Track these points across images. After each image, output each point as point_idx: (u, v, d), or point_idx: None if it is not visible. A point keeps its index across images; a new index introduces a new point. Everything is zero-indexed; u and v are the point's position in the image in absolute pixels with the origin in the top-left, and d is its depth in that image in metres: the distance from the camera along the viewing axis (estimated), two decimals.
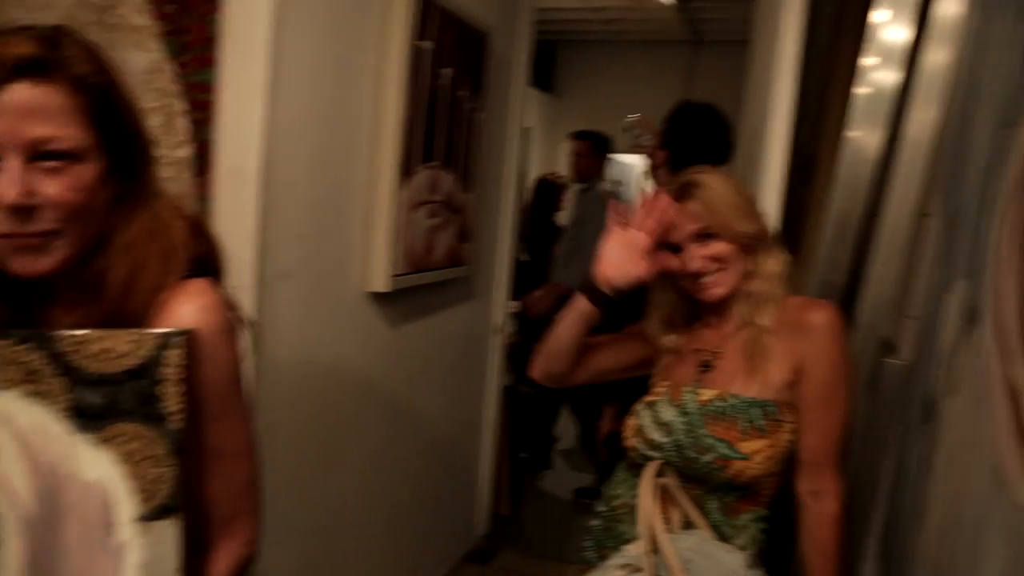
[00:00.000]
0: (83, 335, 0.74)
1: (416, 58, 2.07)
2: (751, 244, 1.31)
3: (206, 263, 0.90)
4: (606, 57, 7.20)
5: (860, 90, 1.75)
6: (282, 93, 1.68)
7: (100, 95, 0.79)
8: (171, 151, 1.61)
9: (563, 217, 4.44)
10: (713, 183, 1.32)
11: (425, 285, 2.32)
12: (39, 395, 0.73)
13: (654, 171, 2.54)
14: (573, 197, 4.11)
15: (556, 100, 7.26)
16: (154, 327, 0.79)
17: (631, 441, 1.39)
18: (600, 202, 3.55)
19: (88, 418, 0.73)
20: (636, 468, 1.36)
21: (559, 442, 4.30)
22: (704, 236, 1.30)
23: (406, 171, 2.07)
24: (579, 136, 4.06)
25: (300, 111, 1.76)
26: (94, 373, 0.73)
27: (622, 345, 1.48)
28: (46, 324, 0.82)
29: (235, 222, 1.67)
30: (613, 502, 1.44)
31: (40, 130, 0.73)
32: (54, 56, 0.75)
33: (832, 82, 2.06)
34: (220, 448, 0.86)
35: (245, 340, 0.91)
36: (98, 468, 0.72)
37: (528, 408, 3.85)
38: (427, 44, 2.12)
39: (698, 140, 2.25)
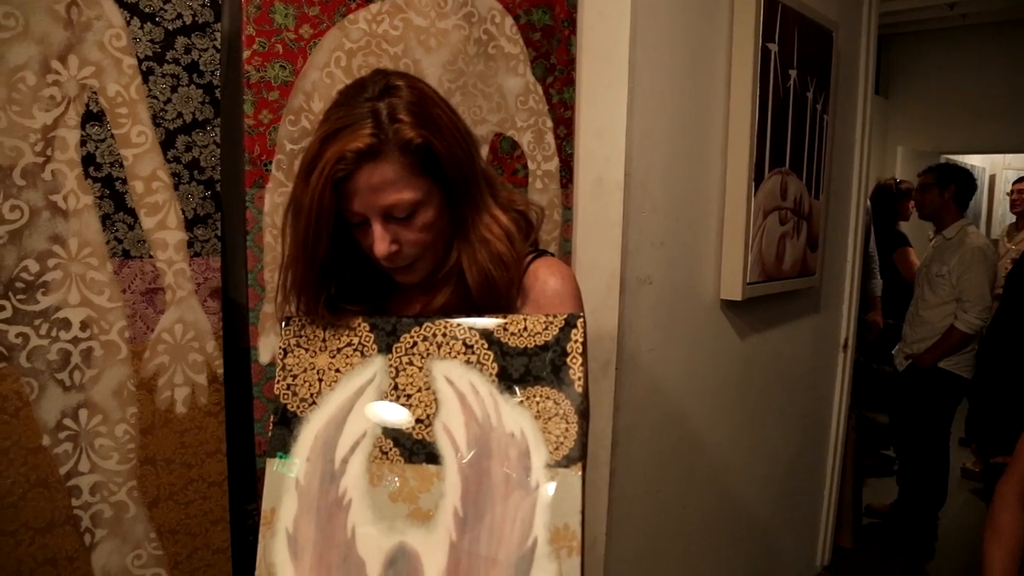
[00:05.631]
0: (507, 319, 0.88)
1: (764, 60, 1.99)
2: None
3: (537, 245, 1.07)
4: (944, 49, 6.37)
5: None
6: (638, 105, 1.71)
7: (425, 152, 0.91)
8: (541, 164, 1.72)
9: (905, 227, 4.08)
10: None
11: (775, 295, 2.21)
12: (474, 363, 0.88)
13: None
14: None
15: (884, 103, 6.60)
16: (524, 292, 0.98)
17: None
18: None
19: (510, 382, 0.86)
20: None
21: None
22: None
23: (758, 176, 1.99)
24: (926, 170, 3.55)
25: (655, 122, 1.79)
26: (515, 347, 0.87)
27: None
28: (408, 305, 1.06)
29: (600, 230, 1.73)
30: None
31: (388, 199, 0.90)
32: (383, 138, 0.89)
33: None
34: None
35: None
36: (518, 422, 0.85)
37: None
38: (773, 46, 2.04)
39: None
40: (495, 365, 0.87)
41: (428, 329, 0.90)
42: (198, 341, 1.30)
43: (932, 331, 3.23)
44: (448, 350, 0.89)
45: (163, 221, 1.25)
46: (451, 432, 0.86)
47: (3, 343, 1.11)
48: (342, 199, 0.91)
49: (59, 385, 1.16)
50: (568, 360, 0.85)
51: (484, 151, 1.62)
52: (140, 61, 1.20)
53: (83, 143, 1.16)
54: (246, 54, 1.28)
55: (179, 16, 1.23)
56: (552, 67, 1.72)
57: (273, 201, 1.33)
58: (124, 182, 1.20)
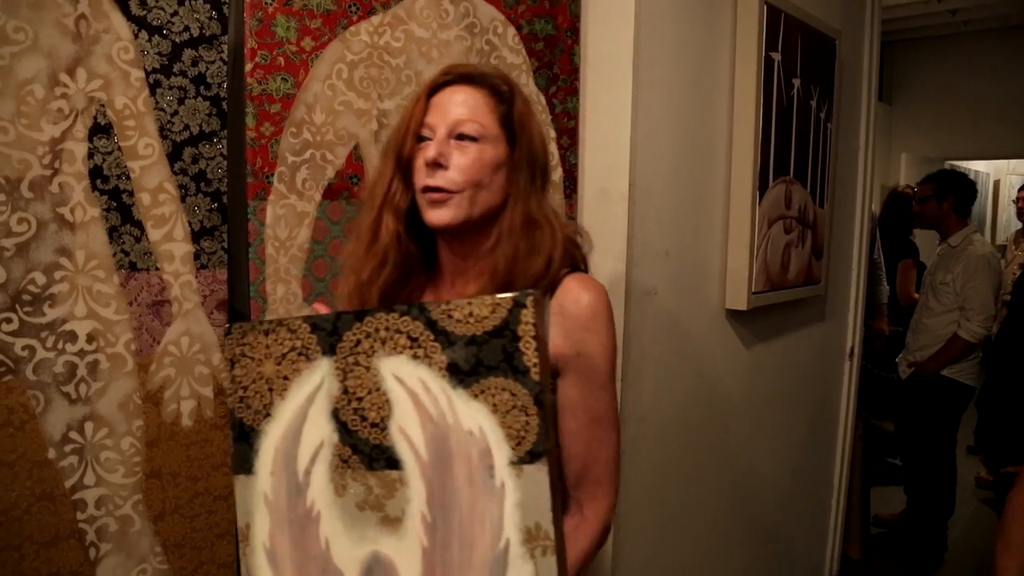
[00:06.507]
0: (450, 304, 0.81)
1: (767, 69, 1.99)
2: None
3: (581, 264, 1.12)
4: (946, 55, 6.38)
5: None
6: (642, 115, 1.71)
7: (507, 104, 1.05)
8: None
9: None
10: None
11: (780, 304, 2.20)
12: (421, 358, 0.82)
13: None
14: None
15: (888, 110, 6.60)
16: (560, 304, 1.00)
17: None
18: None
19: (461, 375, 0.80)
20: None
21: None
22: None
23: (762, 185, 1.99)
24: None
25: (659, 131, 1.78)
26: (462, 335, 0.80)
27: None
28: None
29: (604, 241, 1.73)
30: None
31: (463, 113, 1.02)
32: (482, 74, 1.07)
33: None
34: (601, 414, 1.03)
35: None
36: (475, 418, 0.80)
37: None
38: (776, 55, 2.04)
39: None
40: (443, 358, 0.81)
41: (370, 324, 0.84)
42: (204, 353, 1.30)
43: (935, 339, 3.22)
44: (393, 345, 0.83)
45: (170, 233, 1.25)
46: (407, 434, 0.82)
47: (9, 355, 1.11)
48: (425, 112, 1.05)
49: (65, 398, 1.16)
50: (521, 345, 0.78)
51: None
52: (148, 73, 1.21)
53: (90, 155, 1.16)
54: (248, 67, 1.29)
55: (186, 29, 1.23)
56: (555, 77, 1.72)
57: (275, 213, 1.33)
58: (131, 194, 1.21)
